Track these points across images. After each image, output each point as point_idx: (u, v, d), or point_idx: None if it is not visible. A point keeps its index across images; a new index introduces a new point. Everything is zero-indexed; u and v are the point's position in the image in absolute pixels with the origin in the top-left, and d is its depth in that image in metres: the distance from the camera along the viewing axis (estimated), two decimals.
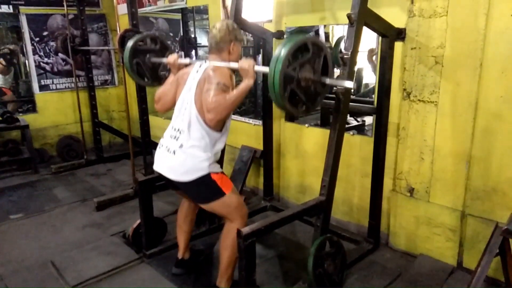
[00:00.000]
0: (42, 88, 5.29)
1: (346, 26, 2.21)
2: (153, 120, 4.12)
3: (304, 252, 2.77)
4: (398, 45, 2.63)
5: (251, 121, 3.91)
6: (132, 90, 4.19)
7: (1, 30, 6.54)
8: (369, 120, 4.45)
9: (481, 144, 2.41)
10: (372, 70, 4.85)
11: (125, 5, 3.89)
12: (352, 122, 4.61)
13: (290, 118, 3.58)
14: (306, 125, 3.46)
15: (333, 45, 5.20)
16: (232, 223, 2.20)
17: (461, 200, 2.55)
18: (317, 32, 4.53)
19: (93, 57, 5.44)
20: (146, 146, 4.02)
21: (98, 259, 2.83)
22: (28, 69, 5.33)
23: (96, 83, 5.45)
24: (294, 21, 3.38)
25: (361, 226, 3.13)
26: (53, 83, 5.36)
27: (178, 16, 5.90)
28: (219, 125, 2.16)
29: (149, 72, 2.77)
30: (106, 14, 5.65)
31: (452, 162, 2.54)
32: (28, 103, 5.59)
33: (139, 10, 3.97)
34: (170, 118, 2.34)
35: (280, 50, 1.72)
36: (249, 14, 3.25)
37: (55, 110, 5.40)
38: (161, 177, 2.34)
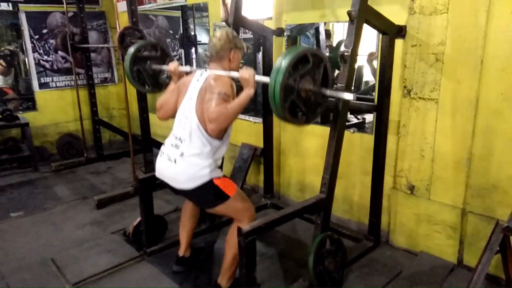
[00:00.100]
0: (42, 86, 5.29)
1: (347, 24, 2.20)
2: (153, 118, 4.10)
3: (305, 249, 2.77)
4: (398, 43, 2.62)
5: (251, 118, 3.90)
6: (132, 88, 4.11)
7: (0, 28, 6.53)
8: (369, 117, 4.44)
9: (481, 142, 2.41)
10: (372, 73, 4.84)
11: (124, 2, 3.87)
12: (352, 119, 4.59)
13: None
14: None
15: (334, 45, 5.22)
16: (241, 223, 2.21)
17: (461, 198, 2.55)
18: (317, 30, 4.52)
19: (92, 54, 5.44)
20: (146, 144, 4.02)
21: (99, 257, 2.83)
22: (28, 67, 5.33)
23: (96, 81, 5.46)
24: (294, 18, 3.37)
25: (361, 224, 3.13)
26: (53, 81, 5.36)
27: (178, 13, 5.89)
28: (220, 134, 2.17)
29: (150, 79, 2.79)
30: (106, 11, 5.64)
31: (453, 160, 2.54)
32: (28, 101, 5.58)
33: (138, 7, 3.96)
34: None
35: (280, 62, 1.73)
36: (249, 12, 3.25)
37: (55, 108, 5.40)
38: (163, 183, 2.35)
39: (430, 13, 2.47)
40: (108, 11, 5.61)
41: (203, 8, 5.70)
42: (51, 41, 5.25)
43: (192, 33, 5.94)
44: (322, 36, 4.60)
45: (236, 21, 2.96)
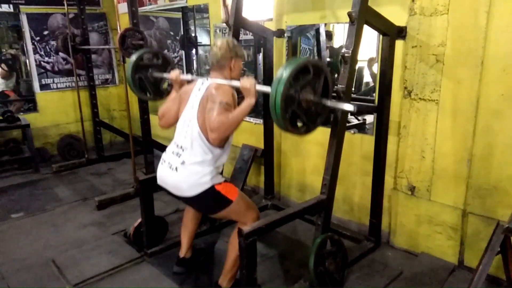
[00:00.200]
0: (43, 87, 5.30)
1: (347, 25, 2.20)
2: (153, 119, 4.11)
3: (305, 250, 2.77)
4: (399, 44, 2.62)
5: (252, 119, 3.91)
6: None
7: (1, 30, 6.54)
8: (370, 118, 4.44)
9: (482, 142, 2.41)
10: (372, 79, 4.84)
11: (125, 4, 3.88)
12: (353, 120, 4.60)
13: None
14: None
15: (334, 46, 5.22)
16: (245, 225, 2.21)
17: (462, 199, 2.55)
18: (318, 31, 4.53)
19: (93, 56, 5.45)
20: (147, 145, 4.02)
21: (99, 258, 2.83)
22: (28, 69, 5.33)
23: (96, 82, 5.47)
24: (295, 19, 3.37)
25: (362, 225, 3.13)
26: (53, 82, 5.37)
27: (178, 15, 5.90)
28: (222, 142, 2.19)
29: (151, 87, 2.80)
30: (107, 13, 5.65)
31: (453, 161, 2.54)
32: (29, 102, 5.59)
33: (139, 9, 3.96)
34: None
35: (281, 72, 1.75)
36: (249, 13, 3.25)
37: (56, 109, 5.40)
38: (165, 191, 2.36)
39: (430, 14, 2.47)
40: (109, 12, 5.62)
41: (204, 10, 5.71)
42: (52, 42, 5.26)
43: (193, 35, 5.95)
44: (323, 37, 4.61)
45: (237, 22, 2.96)
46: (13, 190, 4.25)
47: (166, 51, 6.17)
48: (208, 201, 2.20)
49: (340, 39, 5.89)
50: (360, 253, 2.79)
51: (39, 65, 5.23)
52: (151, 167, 4.01)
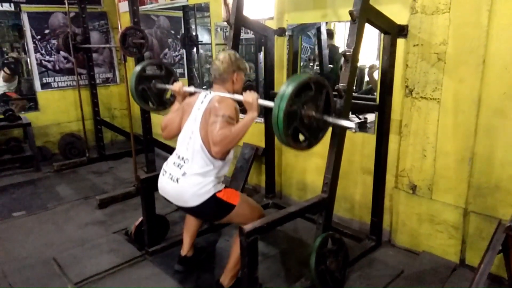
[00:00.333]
0: (44, 86, 5.30)
1: (348, 23, 2.20)
2: (154, 117, 4.12)
3: (307, 249, 2.77)
4: (400, 42, 2.62)
5: None
6: None
7: (2, 29, 6.55)
8: (371, 117, 4.44)
9: (484, 141, 2.40)
10: (373, 87, 4.82)
11: (126, 3, 3.88)
12: (354, 119, 4.59)
13: None
14: None
15: (336, 45, 5.21)
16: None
17: (463, 197, 2.54)
18: (319, 29, 4.52)
19: (94, 55, 5.45)
20: (148, 143, 4.03)
21: (101, 257, 2.83)
22: (30, 67, 5.34)
23: (97, 81, 5.47)
24: (296, 18, 3.37)
25: (363, 224, 3.13)
26: (55, 81, 5.37)
27: (179, 13, 5.90)
28: (224, 155, 2.19)
29: (154, 98, 2.83)
30: (107, 12, 5.65)
31: (455, 159, 2.54)
32: (30, 101, 5.59)
33: (140, 8, 3.96)
34: None
35: (284, 89, 1.77)
36: (250, 12, 3.25)
37: (57, 108, 5.41)
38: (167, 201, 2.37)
39: (432, 13, 2.46)
40: (110, 11, 5.62)
41: (205, 8, 5.70)
42: (53, 41, 5.27)
43: (194, 33, 5.95)
44: (324, 36, 4.60)
45: (238, 21, 2.96)
46: (14, 189, 4.25)
47: (167, 49, 6.18)
48: (211, 209, 2.22)
49: (341, 37, 5.87)
50: (361, 252, 2.79)
51: (40, 64, 5.24)
52: (152, 166, 4.02)
